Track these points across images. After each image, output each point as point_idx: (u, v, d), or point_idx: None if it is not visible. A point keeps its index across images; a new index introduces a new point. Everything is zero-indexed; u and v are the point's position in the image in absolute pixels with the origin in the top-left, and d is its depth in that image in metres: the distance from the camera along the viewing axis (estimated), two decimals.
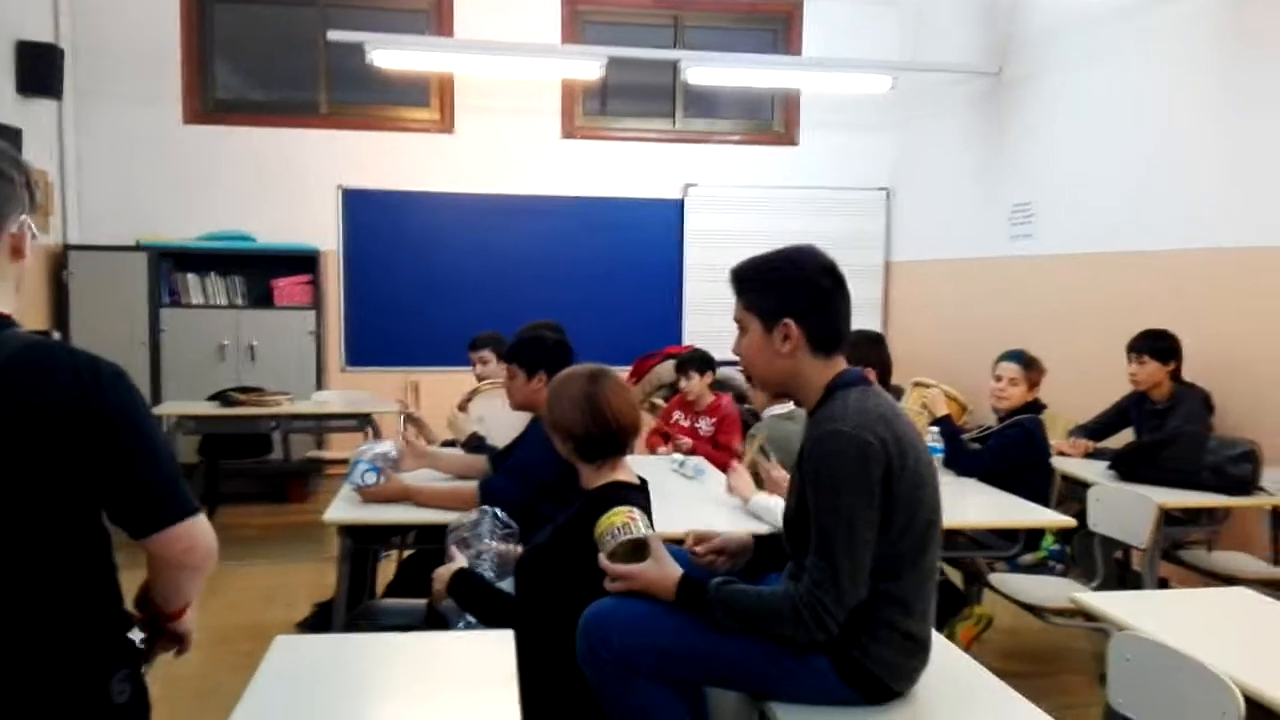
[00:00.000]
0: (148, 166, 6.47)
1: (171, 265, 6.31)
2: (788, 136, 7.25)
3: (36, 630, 1.37)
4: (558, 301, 6.58)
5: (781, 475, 3.17)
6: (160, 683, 1.57)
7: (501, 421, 3.76)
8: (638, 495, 2.30)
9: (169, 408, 5.37)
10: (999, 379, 3.96)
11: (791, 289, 1.93)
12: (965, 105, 6.38)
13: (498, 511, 2.61)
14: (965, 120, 6.40)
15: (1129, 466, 3.75)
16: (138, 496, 1.42)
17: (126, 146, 6.45)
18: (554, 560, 2.26)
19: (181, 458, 5.25)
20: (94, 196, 6.39)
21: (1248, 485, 3.58)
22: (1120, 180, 4.98)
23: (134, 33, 6.39)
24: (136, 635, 1.53)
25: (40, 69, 5.87)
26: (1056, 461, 4.00)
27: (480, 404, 4.47)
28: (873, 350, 3.67)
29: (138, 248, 6.19)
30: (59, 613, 1.39)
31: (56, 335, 1.23)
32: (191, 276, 6.33)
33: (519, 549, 2.53)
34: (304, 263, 6.47)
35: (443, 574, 2.38)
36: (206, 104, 6.62)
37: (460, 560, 2.44)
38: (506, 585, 2.42)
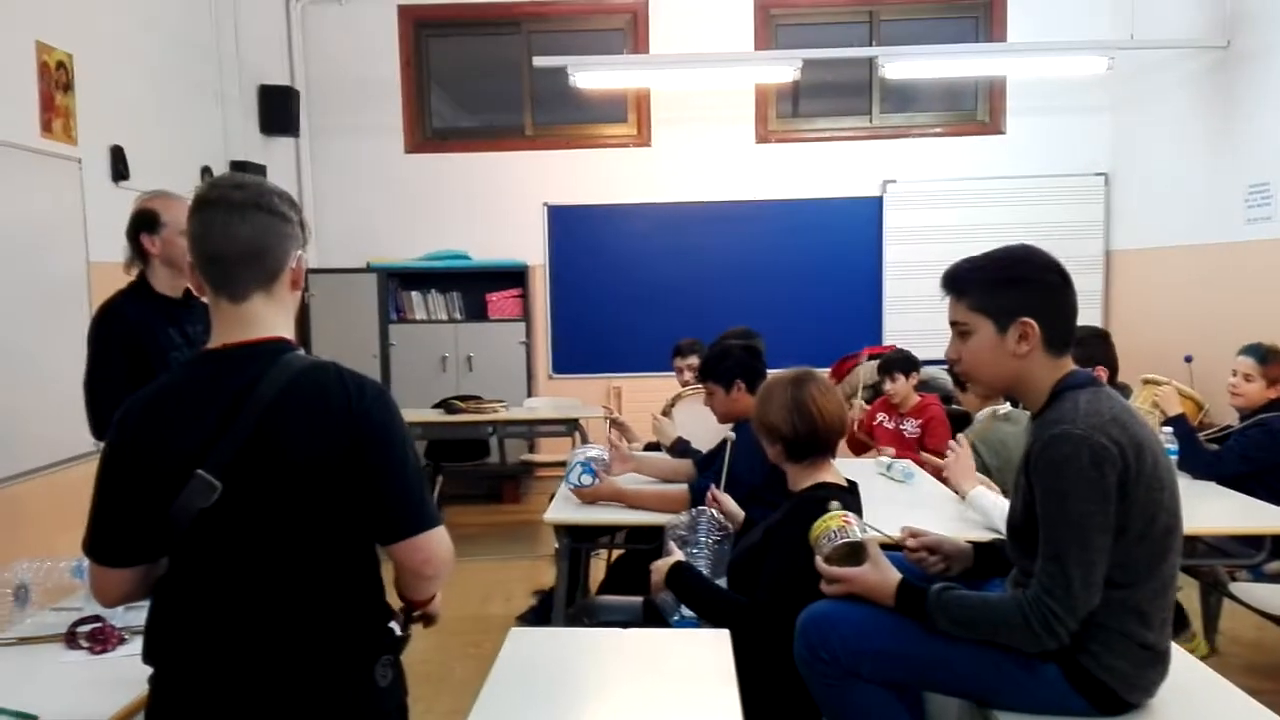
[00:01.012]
0: (374, 194, 6.99)
1: (397, 284, 6.79)
2: (993, 125, 6.96)
3: (314, 620, 1.54)
4: (756, 305, 6.63)
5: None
6: None
7: (704, 426, 3.83)
8: (847, 497, 2.31)
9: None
10: (1234, 374, 3.69)
11: (1027, 287, 1.88)
12: (1189, 82, 5.92)
13: (714, 512, 2.68)
14: (1190, 97, 5.93)
15: None
16: (386, 504, 1.56)
17: (355, 177, 6.98)
18: (766, 560, 2.30)
19: None
20: (329, 224, 6.95)
21: None
22: None
23: (359, 71, 6.91)
24: (396, 625, 1.68)
25: (279, 109, 6.50)
26: None
27: (683, 409, 4.54)
28: (1100, 348, 3.50)
29: (368, 269, 6.70)
30: (333, 604, 1.55)
31: (300, 353, 1.38)
32: (415, 294, 6.80)
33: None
34: (514, 278, 6.82)
35: (661, 566, 2.47)
36: (425, 133, 7.09)
37: (678, 554, 2.52)
38: (720, 584, 2.48)
